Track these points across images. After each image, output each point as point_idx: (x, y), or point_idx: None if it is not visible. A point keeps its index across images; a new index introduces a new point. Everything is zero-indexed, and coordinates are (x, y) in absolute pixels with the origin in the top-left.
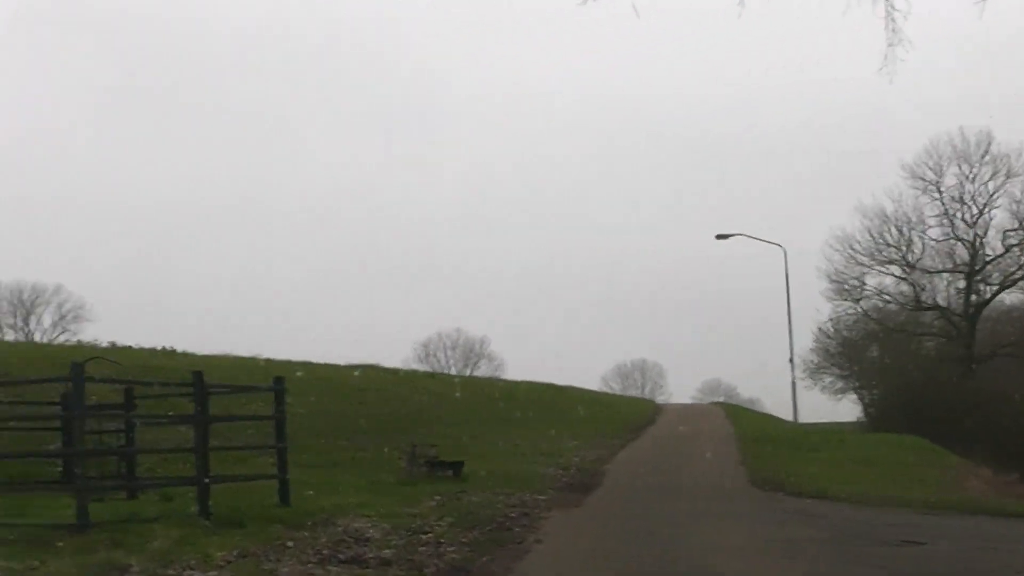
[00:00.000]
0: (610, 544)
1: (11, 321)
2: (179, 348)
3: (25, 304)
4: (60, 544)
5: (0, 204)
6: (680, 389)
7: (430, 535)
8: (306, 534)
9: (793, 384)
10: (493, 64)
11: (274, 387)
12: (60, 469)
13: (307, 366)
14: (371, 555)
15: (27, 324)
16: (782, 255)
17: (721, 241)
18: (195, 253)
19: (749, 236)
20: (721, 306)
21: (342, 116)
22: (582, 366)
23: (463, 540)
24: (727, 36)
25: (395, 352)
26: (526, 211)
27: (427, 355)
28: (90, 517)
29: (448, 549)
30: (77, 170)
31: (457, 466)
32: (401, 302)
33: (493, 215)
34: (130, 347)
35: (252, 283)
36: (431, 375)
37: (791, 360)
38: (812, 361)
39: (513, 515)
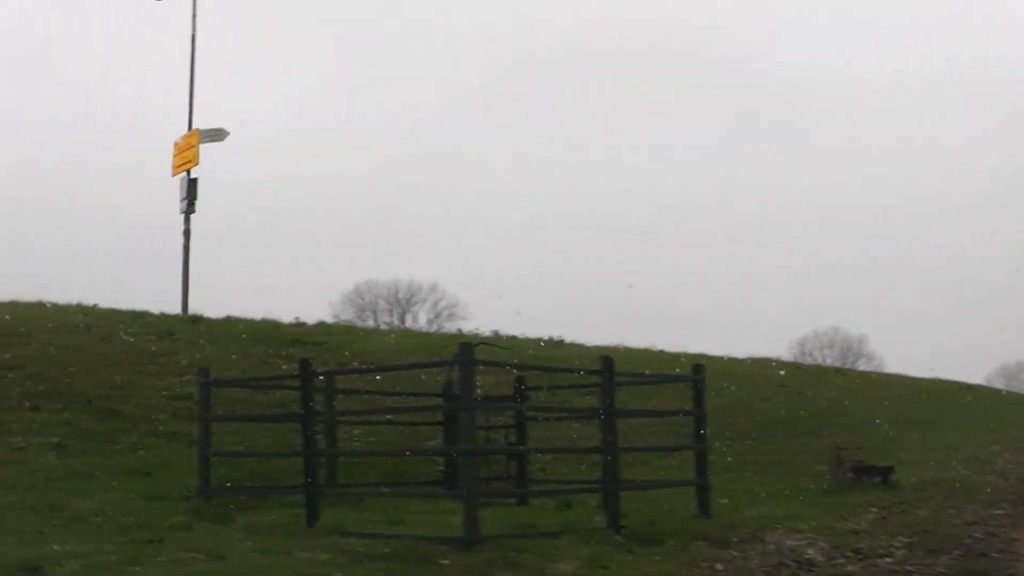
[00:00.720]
0: None
1: (388, 319)
2: (567, 339)
3: (401, 302)
4: (444, 562)
5: (378, 208)
6: None
7: (889, 560)
8: (735, 554)
9: None
10: None
11: (692, 377)
12: (441, 469)
13: (703, 359)
14: None
15: (403, 322)
16: None
17: None
18: (575, 250)
19: None
20: None
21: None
22: (959, 364)
23: (940, 570)
24: None
25: (765, 350)
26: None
27: (803, 354)
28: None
29: None
30: (448, 172)
31: (887, 472)
32: (776, 296)
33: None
34: (515, 337)
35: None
36: (837, 370)
37: None
38: None
39: (977, 535)
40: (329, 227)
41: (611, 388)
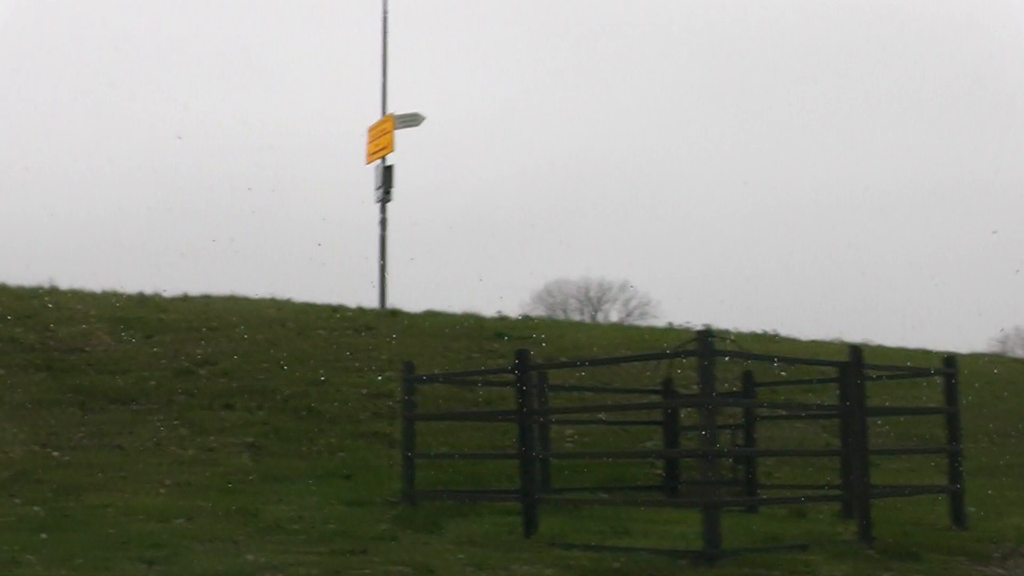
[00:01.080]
0: None
1: (579, 318)
2: (781, 332)
3: (592, 301)
4: None
5: (564, 206)
6: None
7: None
8: (999, 571)
9: None
10: None
11: (944, 371)
12: (660, 473)
13: (926, 354)
14: None
15: (594, 320)
16: None
17: None
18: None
19: None
20: None
21: None
22: None
23: None
24: None
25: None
26: None
27: (1003, 352)
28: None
29: None
30: (631, 174)
31: None
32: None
33: None
34: (726, 331)
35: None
36: None
37: None
38: None
39: None
40: (511, 224)
41: (860, 383)
